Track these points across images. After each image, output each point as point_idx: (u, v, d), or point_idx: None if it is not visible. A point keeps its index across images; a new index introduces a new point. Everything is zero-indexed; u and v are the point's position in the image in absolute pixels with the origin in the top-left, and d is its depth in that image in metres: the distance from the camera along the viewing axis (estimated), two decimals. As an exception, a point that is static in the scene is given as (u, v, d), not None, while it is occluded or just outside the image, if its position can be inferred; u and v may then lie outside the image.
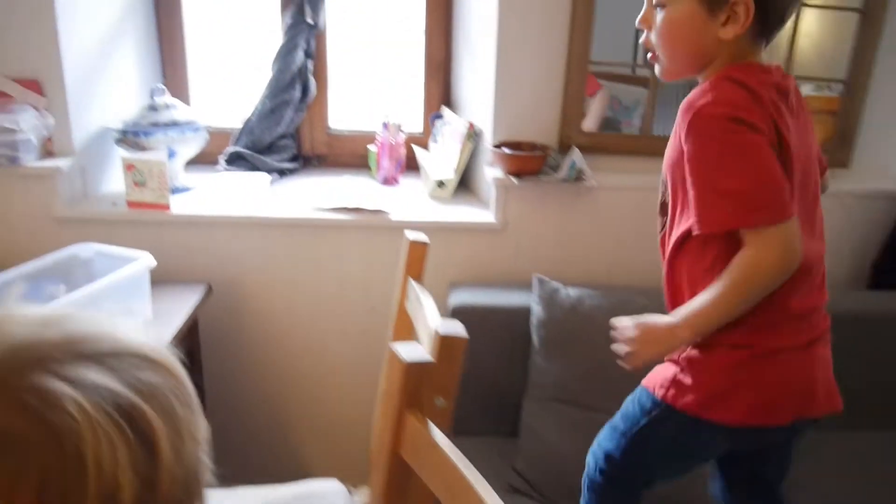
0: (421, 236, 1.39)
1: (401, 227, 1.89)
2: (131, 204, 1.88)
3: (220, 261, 1.95)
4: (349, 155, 2.36)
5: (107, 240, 1.88)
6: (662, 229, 1.21)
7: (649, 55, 1.15)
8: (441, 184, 2.07)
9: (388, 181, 2.18)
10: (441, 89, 2.33)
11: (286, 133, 2.23)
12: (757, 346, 1.09)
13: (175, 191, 1.95)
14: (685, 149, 1.04)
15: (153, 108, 1.97)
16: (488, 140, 1.97)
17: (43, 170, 1.85)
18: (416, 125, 2.35)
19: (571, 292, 1.73)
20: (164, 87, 2.03)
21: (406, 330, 1.41)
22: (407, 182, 2.21)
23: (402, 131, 2.17)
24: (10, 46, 1.85)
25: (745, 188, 1.00)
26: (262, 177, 1.98)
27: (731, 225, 1.03)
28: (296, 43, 2.14)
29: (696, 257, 1.11)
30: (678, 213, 1.12)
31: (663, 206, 1.19)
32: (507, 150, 1.88)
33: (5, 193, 1.89)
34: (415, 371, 0.90)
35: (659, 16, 1.07)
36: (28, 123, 1.82)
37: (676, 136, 1.07)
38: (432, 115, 2.28)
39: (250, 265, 1.96)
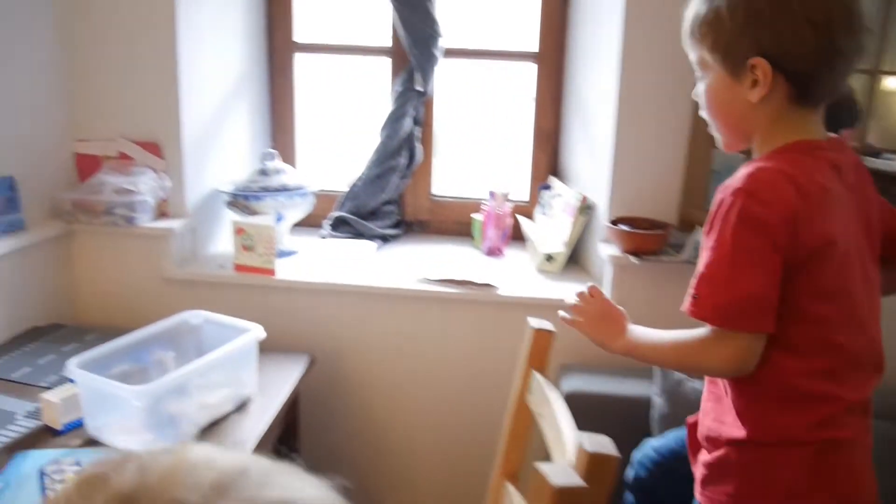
0: (546, 324, 1.29)
1: (509, 302, 1.82)
2: (238, 268, 1.87)
3: (323, 329, 1.90)
4: (452, 222, 2.31)
5: (213, 301, 1.88)
6: None
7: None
8: (550, 258, 1.98)
9: (493, 252, 2.11)
10: (549, 159, 2.26)
11: (391, 199, 2.20)
12: (820, 441, 1.00)
13: (280, 254, 1.93)
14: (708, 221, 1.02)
15: (264, 172, 1.98)
16: (603, 214, 1.88)
17: (157, 231, 1.87)
18: (521, 194, 2.28)
19: (698, 385, 1.59)
20: (274, 151, 2.04)
21: (524, 426, 1.31)
22: (512, 253, 2.13)
23: (509, 200, 2.11)
24: (135, 110, 1.90)
25: (730, 290, 0.96)
26: (367, 245, 1.94)
27: (703, 318, 1.00)
28: (405, 110, 2.13)
29: None
30: None
31: None
32: (625, 227, 1.78)
33: (121, 252, 1.92)
34: (566, 497, 0.80)
35: (701, 88, 1.07)
36: (146, 185, 1.85)
37: None
38: (540, 186, 2.21)
39: (352, 335, 1.91)
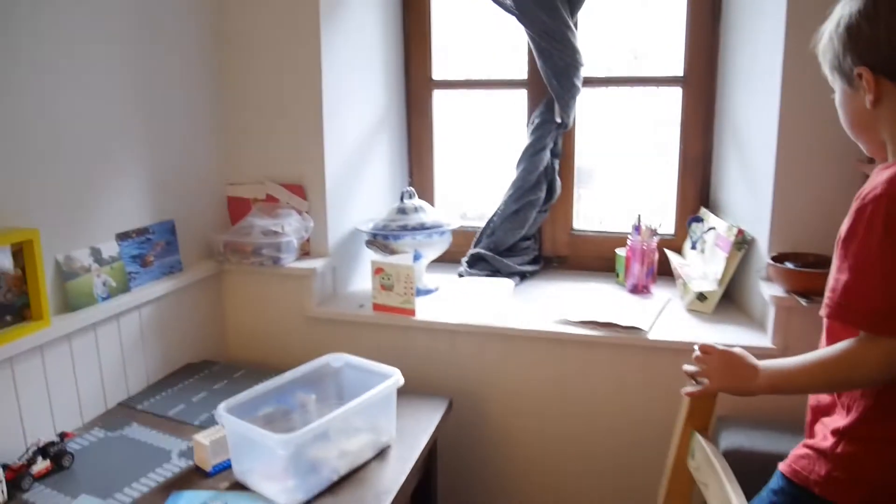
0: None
1: (659, 347, 1.69)
2: (377, 307, 1.87)
3: (461, 371, 1.86)
4: (592, 257, 2.20)
5: (353, 340, 1.89)
6: None
7: None
8: (702, 297, 1.83)
9: (639, 289, 1.98)
10: (698, 188, 2.11)
11: (529, 235, 2.13)
12: None
13: (419, 293, 1.91)
14: (842, 227, 1.02)
15: (402, 210, 1.98)
16: (763, 250, 1.71)
17: (301, 271, 1.91)
18: (667, 227, 2.14)
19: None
20: (412, 189, 2.04)
21: (684, 491, 1.19)
22: (659, 291, 1.99)
23: (655, 234, 1.98)
24: (281, 154, 1.97)
25: (883, 295, 0.95)
26: (506, 284, 1.88)
27: (854, 323, 0.99)
28: (543, 143, 2.06)
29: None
30: None
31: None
32: (790, 266, 1.60)
33: (267, 291, 1.98)
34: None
35: (836, 102, 1.12)
36: (292, 226, 1.90)
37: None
38: (689, 218, 2.06)
39: (491, 378, 1.85)
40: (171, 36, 1.82)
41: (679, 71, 2.05)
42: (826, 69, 1.11)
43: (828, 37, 1.07)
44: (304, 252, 1.99)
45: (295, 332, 1.98)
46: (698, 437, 1.12)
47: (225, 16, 1.94)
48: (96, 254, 1.64)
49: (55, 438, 1.41)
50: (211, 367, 1.89)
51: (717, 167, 2.06)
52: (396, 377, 1.42)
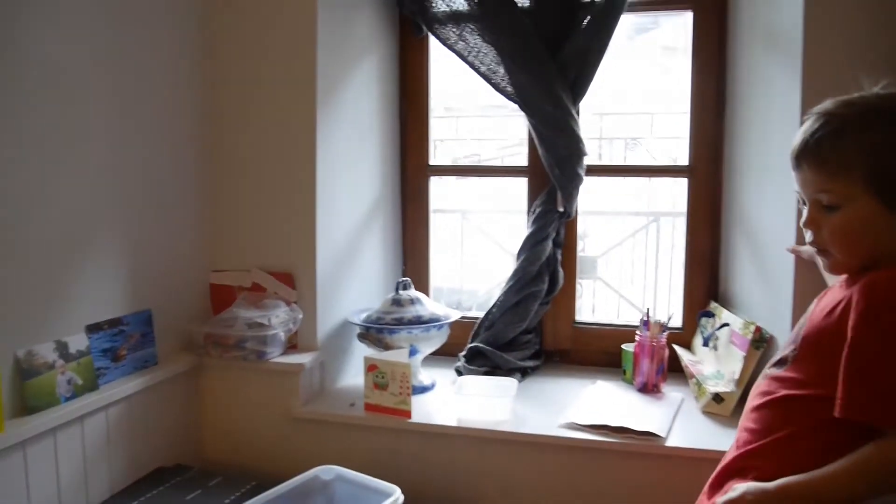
0: None
1: (678, 455, 1.56)
2: (369, 407, 1.72)
3: (460, 478, 1.70)
4: (597, 352, 2.08)
5: (342, 443, 1.74)
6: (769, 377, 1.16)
7: (815, 250, 1.11)
8: (719, 398, 1.70)
9: (649, 388, 1.86)
10: (707, 282, 2.02)
11: (530, 328, 2.02)
12: None
13: (414, 390, 1.76)
14: (851, 323, 0.99)
15: (398, 302, 1.86)
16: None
17: (287, 366, 1.77)
18: (675, 320, 2.03)
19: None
20: (408, 279, 1.93)
21: None
22: (669, 390, 1.87)
23: (665, 329, 1.87)
24: (270, 240, 1.86)
25: None
26: (510, 385, 1.75)
27: (885, 422, 0.96)
28: (546, 233, 1.98)
29: (809, 430, 1.05)
30: (807, 377, 1.08)
31: (781, 361, 1.15)
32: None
33: (249, 388, 1.83)
34: None
35: (831, 217, 1.05)
36: (279, 318, 1.78)
37: (837, 306, 1.04)
38: (699, 313, 1.96)
39: (494, 486, 1.69)
40: (158, 111, 1.74)
41: (684, 160, 2.00)
42: (840, 183, 1.02)
43: (867, 146, 1.00)
44: (292, 345, 1.85)
45: (278, 433, 1.81)
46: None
47: (216, 92, 1.87)
48: (62, 348, 1.50)
49: (-1, 566, 1.22)
50: (184, 473, 1.71)
51: (726, 259, 1.98)
52: (396, 497, 1.27)
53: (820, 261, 1.13)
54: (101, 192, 1.58)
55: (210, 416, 1.89)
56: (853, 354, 0.99)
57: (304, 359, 1.78)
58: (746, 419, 1.18)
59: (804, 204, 1.10)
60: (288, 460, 1.78)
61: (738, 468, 1.12)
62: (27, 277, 1.41)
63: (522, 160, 2.11)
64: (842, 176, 1.01)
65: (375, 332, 1.81)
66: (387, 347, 1.80)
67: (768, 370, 1.20)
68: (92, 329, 1.58)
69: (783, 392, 1.11)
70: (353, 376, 1.99)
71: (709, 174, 1.98)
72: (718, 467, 1.18)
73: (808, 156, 1.05)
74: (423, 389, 1.86)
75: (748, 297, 1.83)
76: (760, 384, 1.19)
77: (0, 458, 1.33)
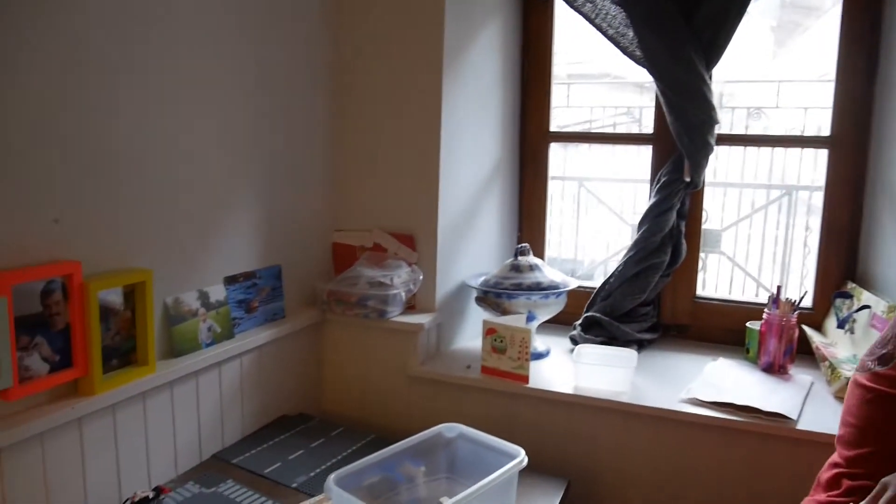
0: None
1: (810, 440, 1.49)
2: (486, 370, 1.74)
3: (576, 448, 1.69)
4: (717, 328, 2.01)
5: (457, 403, 1.77)
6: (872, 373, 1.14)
7: None
8: (855, 384, 1.61)
9: (775, 369, 1.78)
10: (843, 260, 1.90)
11: (648, 300, 1.97)
12: None
13: (532, 357, 1.77)
14: None
15: (517, 268, 1.86)
16: (933, 336, 1.49)
17: (407, 325, 1.81)
18: (806, 300, 1.93)
19: None
20: (527, 245, 1.92)
21: None
22: (797, 372, 1.78)
23: (796, 309, 1.78)
24: (393, 202, 1.90)
25: None
26: (631, 355, 1.72)
27: None
28: (670, 203, 1.91)
29: None
30: None
31: (886, 358, 1.13)
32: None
33: (368, 345, 1.89)
34: None
35: None
36: (400, 278, 1.81)
37: None
38: (834, 293, 1.85)
39: (610, 458, 1.67)
40: (292, 84, 1.79)
41: (826, 130, 1.87)
42: None
43: None
44: (410, 305, 1.89)
45: (396, 390, 1.86)
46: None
47: (345, 65, 1.91)
48: (204, 297, 1.59)
49: (150, 493, 1.33)
50: (307, 422, 1.79)
51: (868, 237, 1.85)
52: (521, 458, 1.28)
53: None
54: (240, 158, 1.66)
55: (331, 370, 1.96)
56: None
57: (422, 319, 1.82)
58: (849, 413, 1.19)
59: None
60: (404, 417, 1.84)
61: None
62: (177, 229, 1.50)
63: (638, 127, 2.04)
64: None
65: (494, 296, 1.82)
66: (504, 312, 1.80)
67: (870, 364, 1.17)
68: (229, 281, 1.66)
69: (888, 390, 1.10)
70: (468, 339, 2.02)
71: (853, 145, 1.85)
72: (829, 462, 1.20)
73: None
74: (538, 356, 1.86)
75: (891, 277, 1.71)
76: (860, 377, 1.18)
77: (151, 395, 1.44)
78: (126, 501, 1.30)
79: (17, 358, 1.18)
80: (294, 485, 1.47)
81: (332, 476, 1.19)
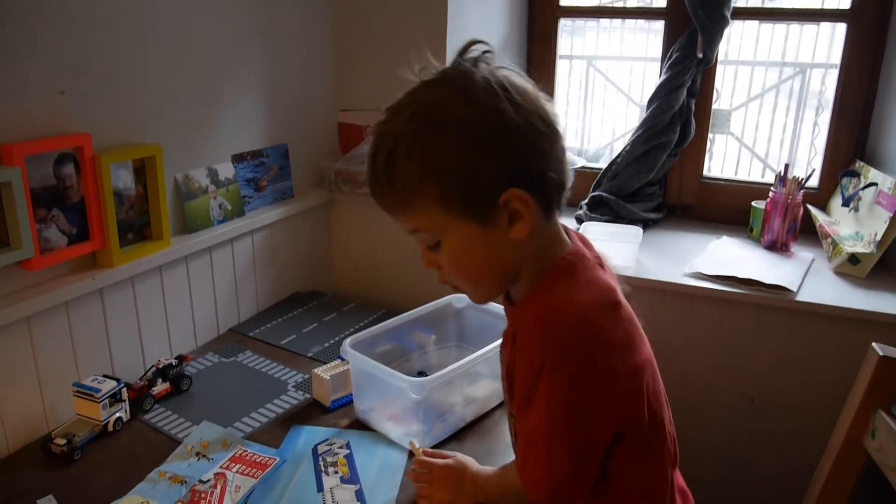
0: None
1: (807, 311, 1.54)
2: (493, 248, 1.76)
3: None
4: (722, 208, 2.03)
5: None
6: None
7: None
8: (855, 259, 1.64)
9: (777, 246, 1.81)
10: (853, 140, 1.89)
11: (655, 180, 1.97)
12: None
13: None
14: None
15: (524, 146, 1.85)
16: (937, 211, 1.51)
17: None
18: (811, 179, 1.93)
19: None
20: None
21: (849, 474, 1.06)
22: (799, 250, 1.81)
23: (802, 187, 1.79)
24: (400, 81, 1.85)
25: None
26: (635, 232, 1.74)
27: None
28: (682, 80, 1.88)
29: None
30: None
31: None
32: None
33: (376, 224, 1.92)
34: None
35: (440, 253, 0.83)
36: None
37: None
38: (842, 171, 1.85)
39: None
40: (294, -53, 1.71)
41: (845, 3, 1.81)
42: (418, 214, 0.80)
43: (430, 165, 0.76)
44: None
45: (403, 267, 1.90)
46: (883, 416, 0.98)
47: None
48: (213, 175, 1.60)
49: (173, 361, 1.39)
50: (319, 299, 1.85)
51: (880, 115, 1.83)
52: (529, 324, 1.32)
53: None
54: (245, 35, 1.61)
55: (340, 249, 2.00)
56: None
57: (430, 198, 1.83)
58: None
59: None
60: (412, 293, 1.87)
61: None
62: (184, 105, 1.48)
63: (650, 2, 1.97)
64: (419, 208, 0.79)
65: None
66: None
67: None
68: (237, 159, 1.66)
69: None
70: (474, 219, 2.03)
71: (873, 19, 1.79)
72: None
73: (380, 196, 0.83)
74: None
75: (901, 155, 1.71)
76: None
77: (168, 269, 1.47)
78: (151, 368, 1.36)
79: (37, 230, 1.20)
80: (310, 354, 1.54)
81: (347, 341, 1.24)
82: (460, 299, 1.45)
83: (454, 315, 1.45)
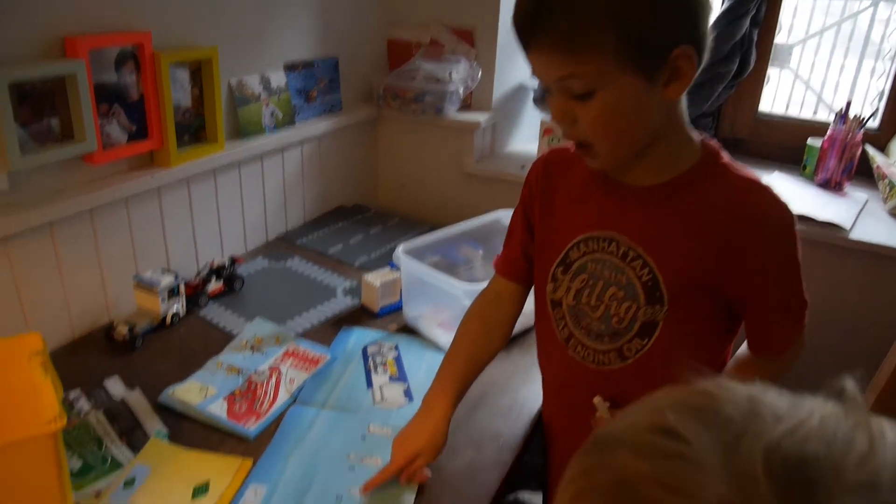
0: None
1: (860, 249, 1.52)
2: (541, 171, 1.75)
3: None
4: (776, 145, 1.98)
5: (510, 202, 1.80)
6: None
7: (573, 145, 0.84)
8: (912, 200, 1.61)
9: (831, 185, 1.78)
10: (921, 78, 1.82)
11: (709, 111, 1.93)
12: None
13: (586, 163, 1.78)
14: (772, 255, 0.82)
15: (578, 69, 1.81)
16: None
17: (463, 123, 1.81)
18: (872, 121, 1.88)
19: None
20: (590, 47, 1.86)
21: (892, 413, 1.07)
22: (853, 191, 1.78)
23: (862, 127, 1.74)
24: (455, -6, 1.82)
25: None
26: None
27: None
28: (745, 8, 1.81)
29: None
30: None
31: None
32: None
33: (424, 141, 1.91)
34: None
35: (588, 105, 0.76)
36: (458, 75, 1.79)
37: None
38: (906, 110, 1.79)
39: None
40: None
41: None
42: (588, 62, 0.72)
43: (614, 9, 0.70)
44: (466, 104, 1.88)
45: (449, 187, 1.91)
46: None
47: None
48: (265, 82, 1.59)
49: (226, 261, 1.42)
50: (364, 212, 1.87)
51: (952, 53, 1.76)
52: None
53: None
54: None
55: (386, 166, 2.00)
56: (790, 276, 0.88)
57: (479, 117, 1.82)
58: None
59: (547, 91, 0.84)
60: (456, 212, 1.89)
61: None
62: (238, 10, 1.47)
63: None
64: (590, 53, 0.72)
65: (553, 98, 1.79)
66: (562, 115, 1.79)
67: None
68: (289, 68, 1.66)
69: None
70: (522, 142, 2.02)
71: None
72: None
73: (542, 30, 0.74)
74: (592, 161, 1.87)
75: (972, 95, 1.65)
76: None
77: (221, 173, 1.50)
78: (205, 266, 1.40)
79: (99, 125, 1.22)
80: (357, 264, 1.56)
81: (401, 247, 1.26)
82: (509, 215, 1.45)
83: (502, 231, 1.45)
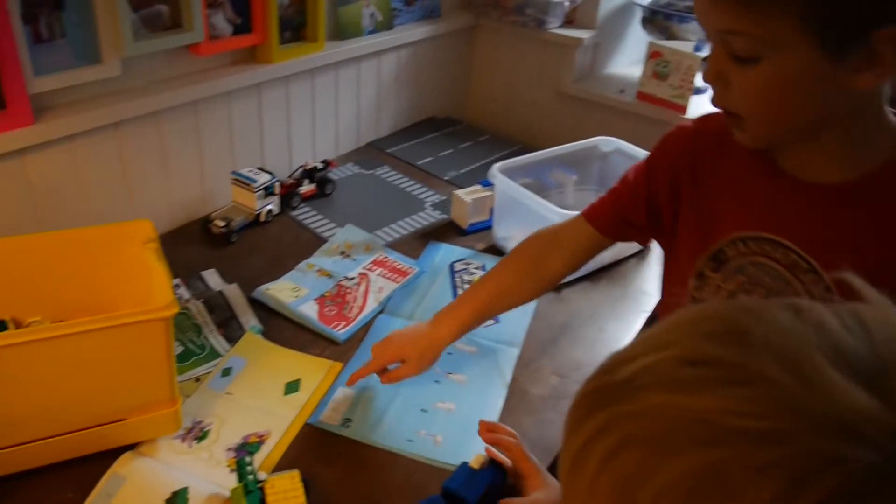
0: None
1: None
2: (642, 96, 1.68)
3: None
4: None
5: (605, 127, 1.73)
6: None
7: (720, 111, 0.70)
8: None
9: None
10: None
11: None
12: None
13: (694, 91, 1.68)
14: None
15: (695, -11, 1.69)
16: None
17: (565, 39, 1.73)
18: None
19: None
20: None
21: None
22: None
23: None
24: None
25: None
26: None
27: None
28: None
29: None
30: None
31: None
32: None
33: (521, 55, 1.84)
34: None
35: (749, 71, 0.62)
36: (566, -14, 1.69)
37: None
38: None
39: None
40: None
41: None
42: (767, 23, 0.59)
43: None
44: (568, 20, 1.79)
45: (543, 105, 1.85)
46: None
47: None
48: (368, -18, 1.55)
49: (319, 164, 1.43)
50: (454, 125, 1.83)
51: None
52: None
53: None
54: None
55: (480, 78, 1.95)
56: None
57: (582, 34, 1.73)
58: None
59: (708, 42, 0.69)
60: (549, 135, 1.84)
61: None
62: None
63: None
64: (767, 11, 0.59)
65: (664, 18, 1.69)
66: (672, 37, 1.68)
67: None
68: (392, -33, 1.60)
69: None
70: (624, 65, 1.92)
71: None
72: None
73: None
74: (698, 91, 1.77)
75: None
76: None
77: (319, 73, 1.48)
78: (299, 168, 1.41)
79: (206, 15, 1.21)
80: (446, 177, 1.55)
81: (496, 165, 1.23)
82: (608, 143, 1.40)
83: (599, 158, 1.41)
